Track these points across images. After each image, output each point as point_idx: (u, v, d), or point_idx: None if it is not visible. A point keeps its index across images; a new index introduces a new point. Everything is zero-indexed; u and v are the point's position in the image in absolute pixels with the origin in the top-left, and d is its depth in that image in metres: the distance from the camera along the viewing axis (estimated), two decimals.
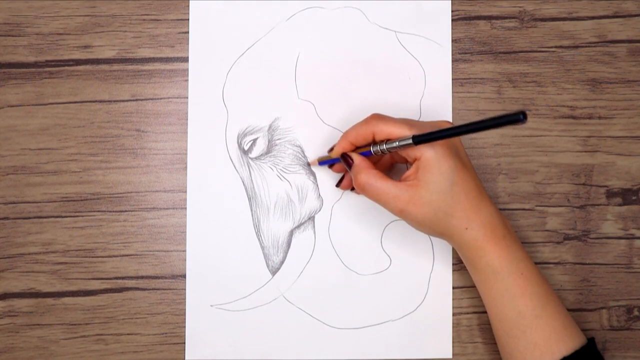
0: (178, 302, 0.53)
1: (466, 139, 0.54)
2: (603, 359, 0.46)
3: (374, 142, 0.46)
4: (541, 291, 0.46)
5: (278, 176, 0.53)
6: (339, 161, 0.49)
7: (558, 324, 0.45)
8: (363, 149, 0.47)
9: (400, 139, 0.44)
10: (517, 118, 0.35)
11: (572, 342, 0.45)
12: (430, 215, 0.44)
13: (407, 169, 0.46)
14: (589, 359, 0.45)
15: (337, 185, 0.52)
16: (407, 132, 0.44)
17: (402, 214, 0.45)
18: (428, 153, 0.44)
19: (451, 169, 0.44)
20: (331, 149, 0.49)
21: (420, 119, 0.54)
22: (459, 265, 0.53)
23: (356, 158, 0.47)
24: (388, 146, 0.45)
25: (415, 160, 0.45)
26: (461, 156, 0.46)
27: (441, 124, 0.47)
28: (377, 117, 0.46)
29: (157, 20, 0.54)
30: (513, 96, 0.54)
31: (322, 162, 0.52)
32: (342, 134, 0.48)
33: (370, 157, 0.47)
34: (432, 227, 0.45)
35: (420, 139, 0.43)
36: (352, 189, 0.52)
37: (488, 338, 0.53)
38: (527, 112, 0.37)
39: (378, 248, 0.53)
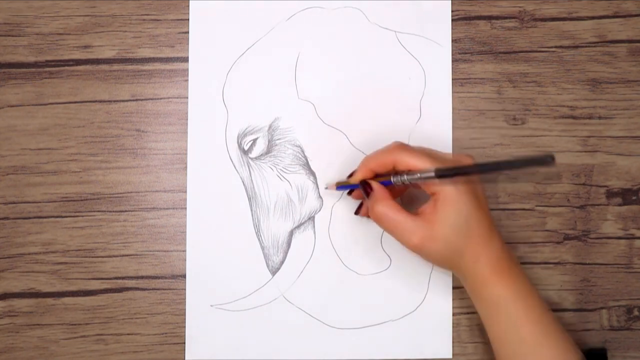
0: (178, 302, 0.53)
1: (466, 138, 0.54)
2: None
3: (395, 173, 0.46)
4: (543, 319, 0.45)
5: (278, 176, 0.53)
6: (357, 187, 0.49)
7: (559, 352, 0.45)
8: (383, 177, 0.47)
9: (422, 172, 0.44)
10: (545, 160, 0.36)
11: None
12: (443, 251, 0.44)
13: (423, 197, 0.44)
14: None
15: (356, 212, 0.51)
16: (429, 165, 0.44)
17: (416, 248, 0.45)
18: (448, 188, 0.44)
19: (467, 208, 0.44)
20: (351, 175, 0.49)
21: (420, 119, 0.54)
22: None
23: (375, 187, 0.46)
24: (409, 177, 0.45)
25: (433, 193, 0.45)
26: (478, 194, 0.45)
27: (462, 158, 0.47)
28: (399, 147, 0.46)
29: (157, 20, 0.54)
30: (513, 96, 0.54)
31: (340, 187, 0.51)
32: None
33: (389, 186, 0.47)
34: (443, 262, 0.46)
35: (443, 174, 0.42)
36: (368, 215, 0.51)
37: (488, 338, 0.53)
38: (554, 154, 0.38)
39: (378, 248, 0.53)
